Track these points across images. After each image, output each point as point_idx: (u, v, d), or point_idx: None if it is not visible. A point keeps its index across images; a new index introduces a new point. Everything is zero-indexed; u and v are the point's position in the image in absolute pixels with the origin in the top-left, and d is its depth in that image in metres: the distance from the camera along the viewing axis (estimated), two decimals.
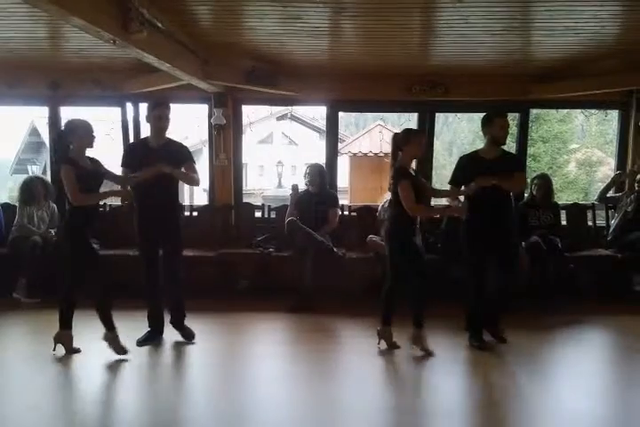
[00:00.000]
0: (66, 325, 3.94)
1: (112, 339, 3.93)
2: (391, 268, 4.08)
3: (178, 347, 4.24)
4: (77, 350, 3.99)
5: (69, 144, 3.86)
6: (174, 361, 4.12)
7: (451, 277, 5.54)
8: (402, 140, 4.00)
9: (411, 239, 3.99)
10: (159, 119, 4.15)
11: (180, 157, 4.27)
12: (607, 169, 15.25)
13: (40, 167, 16.30)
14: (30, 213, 5.70)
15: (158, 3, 3.73)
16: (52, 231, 5.70)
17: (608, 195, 5.89)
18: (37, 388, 3.52)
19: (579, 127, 18.71)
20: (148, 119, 4.20)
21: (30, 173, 13.16)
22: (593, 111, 6.91)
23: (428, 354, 3.98)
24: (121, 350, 3.93)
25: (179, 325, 4.34)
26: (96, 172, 3.94)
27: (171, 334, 4.35)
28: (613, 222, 5.77)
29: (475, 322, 4.23)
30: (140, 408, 3.30)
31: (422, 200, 3.98)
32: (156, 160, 4.05)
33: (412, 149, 3.97)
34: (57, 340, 3.96)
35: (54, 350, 3.96)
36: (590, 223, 6.02)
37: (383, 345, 4.13)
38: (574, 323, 4.84)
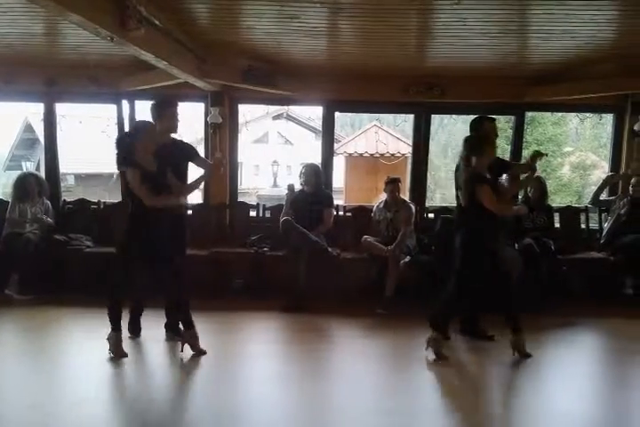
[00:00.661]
0: (189, 324, 4.01)
1: (114, 340, 3.92)
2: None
3: (171, 346, 4.22)
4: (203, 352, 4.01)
5: (133, 146, 3.86)
6: (167, 360, 4.11)
7: (445, 279, 5.58)
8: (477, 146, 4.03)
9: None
10: (175, 117, 4.12)
11: (188, 154, 4.27)
12: (601, 172, 15.32)
13: (34, 164, 16.21)
14: (24, 209, 5.67)
15: (156, 0, 3.72)
16: (47, 219, 5.68)
17: (601, 198, 5.92)
18: (32, 386, 3.51)
19: (573, 130, 18.78)
20: (162, 117, 4.08)
21: (24, 170, 13.09)
22: (587, 115, 6.94)
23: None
24: (121, 353, 3.91)
25: (175, 327, 4.28)
26: (159, 172, 3.91)
27: (164, 334, 4.34)
28: (606, 225, 5.80)
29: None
30: (132, 407, 3.29)
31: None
32: (168, 159, 4.02)
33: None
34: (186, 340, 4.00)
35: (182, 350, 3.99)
36: (583, 226, 6.06)
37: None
38: (566, 325, 4.86)
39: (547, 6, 3.72)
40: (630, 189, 5.69)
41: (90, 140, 15.28)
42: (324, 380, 3.77)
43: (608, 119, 7.34)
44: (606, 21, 4.04)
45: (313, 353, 4.16)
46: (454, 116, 8.15)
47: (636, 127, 5.82)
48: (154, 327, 4.36)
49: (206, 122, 6.01)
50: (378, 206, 5.70)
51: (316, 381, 3.73)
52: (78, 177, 16.16)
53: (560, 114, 15.15)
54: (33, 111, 14.48)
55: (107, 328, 3.93)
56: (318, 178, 5.68)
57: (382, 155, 12.16)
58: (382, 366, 4.03)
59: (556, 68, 5.42)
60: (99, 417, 3.15)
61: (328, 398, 3.46)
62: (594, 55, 4.94)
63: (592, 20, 3.98)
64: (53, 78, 5.83)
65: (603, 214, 5.97)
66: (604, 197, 5.97)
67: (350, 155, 12.52)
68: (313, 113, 18.52)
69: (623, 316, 5.08)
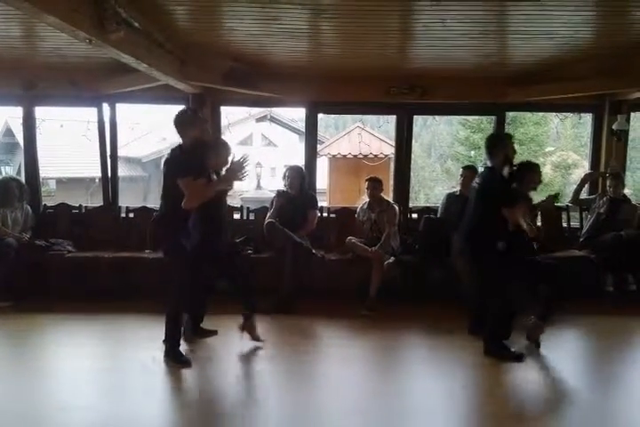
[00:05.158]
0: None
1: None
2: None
3: (155, 348, 4.18)
4: None
5: None
6: (149, 362, 4.06)
7: (429, 279, 5.61)
8: None
9: None
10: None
11: None
12: (582, 171, 15.52)
13: (14, 168, 16.03)
14: (4, 214, 5.58)
15: (135, 2, 3.70)
16: (26, 235, 5.61)
17: (581, 197, 5.99)
18: (16, 393, 3.48)
19: (554, 130, 19.01)
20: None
21: (4, 174, 12.91)
22: (567, 114, 7.02)
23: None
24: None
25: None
26: None
27: (150, 335, 4.30)
28: (586, 224, 5.87)
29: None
30: (111, 411, 3.26)
31: None
32: None
33: None
34: None
35: None
36: (565, 224, 6.12)
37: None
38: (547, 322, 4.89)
39: (524, 7, 3.77)
40: (608, 189, 5.78)
41: (71, 143, 15.17)
42: (307, 381, 3.77)
43: (587, 119, 7.44)
44: (583, 22, 4.10)
45: (297, 355, 4.15)
46: (436, 116, 8.21)
47: (614, 126, 5.91)
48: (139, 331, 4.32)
49: None
50: (362, 207, 5.71)
51: (300, 382, 3.73)
52: (59, 181, 16.00)
53: (541, 114, 15.33)
54: (12, 115, 14.32)
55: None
56: (302, 180, 5.67)
57: (365, 156, 12.21)
58: (366, 368, 4.04)
59: (536, 69, 5.48)
60: (85, 424, 3.12)
61: (312, 400, 3.46)
62: (572, 56, 5.00)
63: (569, 21, 4.04)
64: (32, 81, 5.75)
65: (584, 213, 6.04)
66: (584, 195, 6.04)
67: (334, 156, 12.56)
68: (296, 115, 18.56)
69: (603, 313, 5.14)
